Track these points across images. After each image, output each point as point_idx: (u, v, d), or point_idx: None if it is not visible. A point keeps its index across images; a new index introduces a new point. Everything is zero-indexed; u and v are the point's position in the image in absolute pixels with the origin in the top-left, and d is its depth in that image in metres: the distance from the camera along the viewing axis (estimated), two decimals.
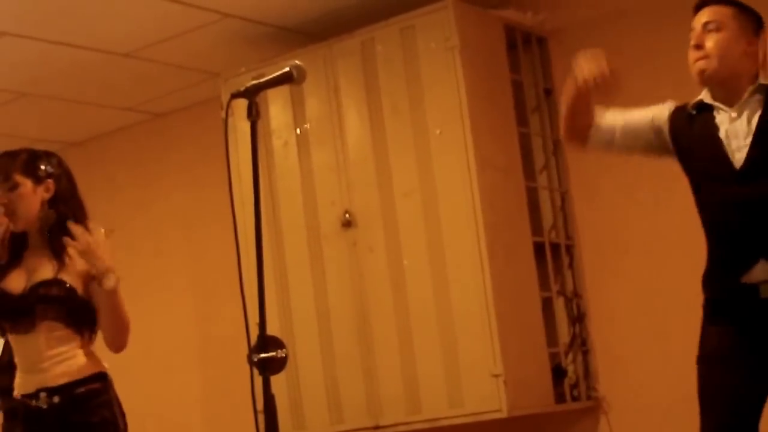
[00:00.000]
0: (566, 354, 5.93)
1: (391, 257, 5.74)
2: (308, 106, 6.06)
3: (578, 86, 3.77)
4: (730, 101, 3.71)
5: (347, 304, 5.86)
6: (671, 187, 5.44)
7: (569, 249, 6.04)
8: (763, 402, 3.67)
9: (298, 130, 6.08)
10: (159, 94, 7.09)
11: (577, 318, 5.97)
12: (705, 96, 3.79)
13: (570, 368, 5.91)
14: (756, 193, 3.57)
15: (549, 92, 6.15)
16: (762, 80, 3.70)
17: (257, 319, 3.34)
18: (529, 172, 5.95)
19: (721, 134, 3.67)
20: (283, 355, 3.32)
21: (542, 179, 6.06)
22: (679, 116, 3.82)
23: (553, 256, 5.96)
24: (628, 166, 5.66)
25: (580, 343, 5.97)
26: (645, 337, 5.81)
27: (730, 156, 3.64)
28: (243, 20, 6.08)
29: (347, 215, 5.85)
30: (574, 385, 5.89)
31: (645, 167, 5.44)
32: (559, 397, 5.80)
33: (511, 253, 5.65)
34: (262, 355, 3.27)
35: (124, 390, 4.25)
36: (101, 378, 4.16)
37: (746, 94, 3.68)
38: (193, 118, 7.22)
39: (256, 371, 3.27)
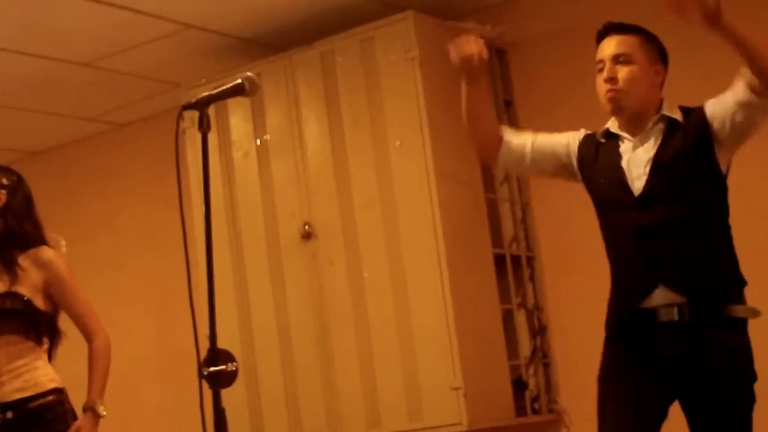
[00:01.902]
0: (527, 367, 5.91)
1: (351, 269, 5.72)
2: (268, 117, 6.03)
3: (459, 68, 3.90)
4: (635, 130, 3.73)
5: (307, 316, 5.83)
6: None
7: (530, 261, 6.03)
8: (660, 423, 3.67)
9: (258, 141, 6.05)
10: (121, 104, 7.05)
11: (538, 330, 5.96)
12: (612, 125, 3.82)
13: (531, 381, 5.90)
14: (654, 220, 3.59)
15: (509, 104, 6.16)
16: (665, 110, 3.72)
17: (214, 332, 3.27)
18: (489, 183, 5.93)
19: (623, 163, 3.70)
20: (234, 368, 3.30)
21: (503, 191, 6.05)
22: (587, 144, 3.85)
23: (514, 269, 5.95)
24: None
25: (541, 356, 5.96)
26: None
27: (630, 184, 3.66)
28: (205, 31, 6.06)
29: (307, 227, 5.83)
30: (535, 398, 5.88)
31: None
32: (520, 410, 5.78)
33: (472, 265, 5.64)
34: (212, 369, 3.23)
35: (80, 402, 4.22)
36: (56, 392, 4.13)
37: (650, 124, 3.71)
38: (156, 128, 7.16)
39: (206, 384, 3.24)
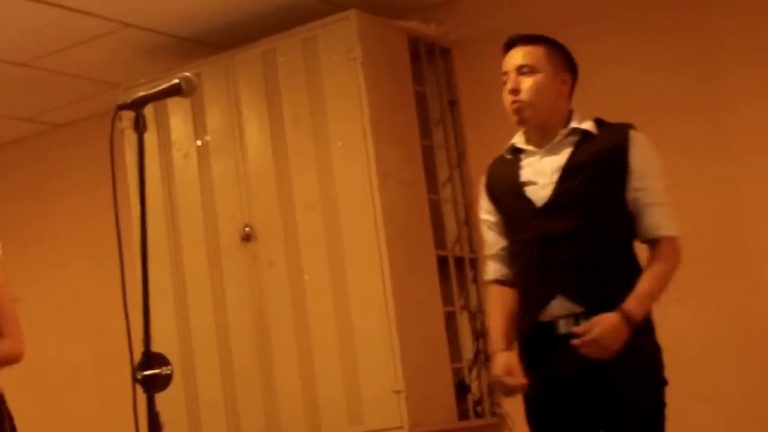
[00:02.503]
0: (470, 370, 5.87)
1: (292, 272, 5.65)
2: (209, 118, 5.96)
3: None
4: (542, 140, 3.72)
5: (247, 319, 5.75)
6: None
7: (473, 263, 5.99)
8: None
9: (198, 142, 5.97)
10: (59, 105, 6.95)
11: (481, 333, 5.91)
12: (518, 139, 3.82)
13: (474, 384, 5.86)
14: (555, 229, 3.59)
15: (453, 104, 6.12)
16: (575, 122, 3.71)
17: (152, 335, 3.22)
18: (432, 185, 5.88)
19: (527, 174, 3.70)
20: (169, 372, 3.25)
21: (446, 192, 6.00)
22: (492, 171, 3.88)
23: (457, 270, 5.90)
24: None
25: (484, 359, 5.90)
26: None
27: (533, 195, 3.66)
28: (144, 30, 5.98)
29: (247, 229, 5.75)
30: (478, 402, 5.83)
31: None
32: (463, 414, 5.73)
33: (414, 267, 5.58)
34: (146, 373, 3.17)
35: (18, 407, 4.13)
36: None
37: (559, 137, 3.70)
38: (94, 129, 7.05)
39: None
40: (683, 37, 5.54)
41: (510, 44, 3.80)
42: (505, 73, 3.77)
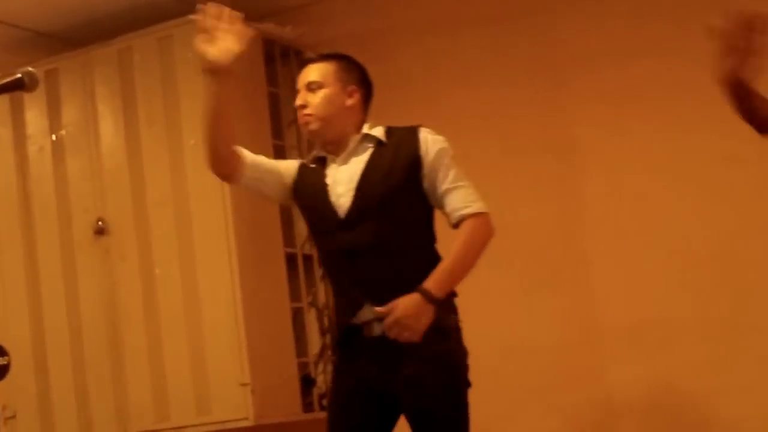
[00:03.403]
0: (316, 364, 6.00)
1: (143, 266, 5.72)
2: (65, 113, 5.99)
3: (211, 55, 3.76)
4: (338, 150, 3.86)
5: (99, 311, 5.81)
6: None
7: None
8: None
9: (53, 137, 6.01)
10: None
11: (328, 329, 6.04)
12: (319, 149, 3.96)
13: (319, 378, 5.98)
14: (358, 240, 3.68)
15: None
16: (366, 129, 3.86)
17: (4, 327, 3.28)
18: None
19: (328, 183, 3.81)
20: (5, 362, 3.30)
21: None
22: (301, 172, 3.96)
23: (306, 268, 6.03)
24: None
25: (330, 354, 6.04)
26: None
27: (335, 204, 3.76)
28: (0, 24, 5.97)
29: (100, 223, 5.81)
30: (323, 395, 5.94)
31: None
32: (308, 407, 5.86)
33: (263, 264, 5.70)
34: None
35: None
36: None
37: (352, 144, 3.83)
38: None
39: None
40: (527, 41, 5.69)
41: (304, 63, 3.98)
42: (298, 90, 3.93)
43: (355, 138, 3.84)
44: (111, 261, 5.81)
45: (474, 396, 5.57)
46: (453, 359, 3.74)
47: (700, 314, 5.23)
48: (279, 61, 6.12)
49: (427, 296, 3.59)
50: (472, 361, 5.55)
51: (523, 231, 5.56)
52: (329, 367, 6.01)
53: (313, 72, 3.89)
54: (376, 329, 3.66)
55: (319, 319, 6.07)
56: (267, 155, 5.75)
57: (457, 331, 3.79)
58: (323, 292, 6.08)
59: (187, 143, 5.66)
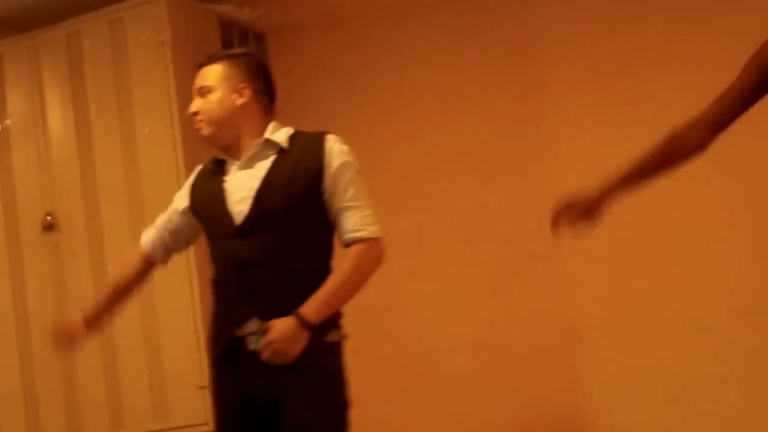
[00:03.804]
0: None
1: (95, 263, 5.50)
2: (10, 102, 5.77)
3: None
4: (238, 155, 3.73)
5: (48, 311, 5.56)
6: None
7: None
8: None
9: None
10: None
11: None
12: (220, 151, 3.83)
13: None
14: (252, 250, 3.56)
15: None
16: (268, 133, 3.70)
17: None
18: None
19: (226, 188, 3.68)
20: None
21: None
22: (199, 176, 3.88)
23: None
24: None
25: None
26: (356, 341, 5.75)
27: (232, 211, 3.63)
28: None
29: (49, 218, 5.58)
30: None
31: None
32: None
33: None
34: None
35: None
36: None
37: (253, 148, 3.69)
38: None
39: None
40: (502, 32, 5.56)
41: (197, 67, 3.85)
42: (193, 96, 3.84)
43: (256, 142, 3.70)
44: (61, 258, 5.59)
45: (445, 393, 5.53)
46: (335, 375, 3.63)
47: (676, 310, 5.17)
48: (237, 44, 5.89)
49: (302, 321, 3.50)
50: (444, 356, 5.53)
51: (495, 225, 5.51)
52: None
53: (201, 76, 3.81)
54: (254, 344, 3.55)
55: None
56: None
57: (339, 345, 3.68)
58: None
59: (141, 132, 5.46)
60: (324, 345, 3.57)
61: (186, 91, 5.31)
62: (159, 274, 5.28)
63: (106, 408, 5.45)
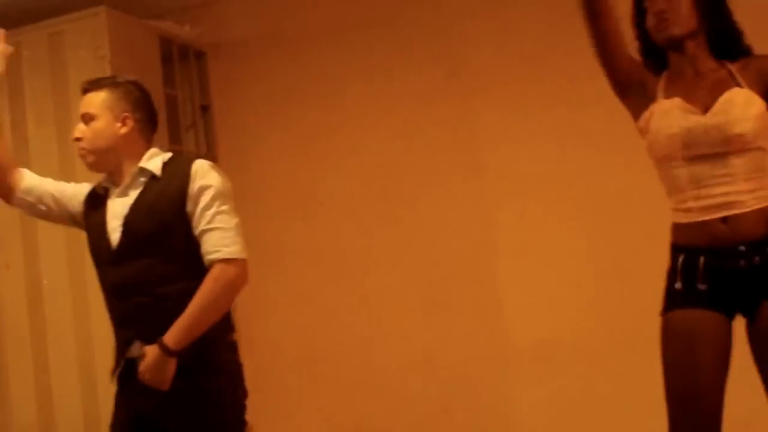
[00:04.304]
0: None
1: (30, 275, 5.47)
2: None
3: None
4: (118, 182, 3.75)
5: None
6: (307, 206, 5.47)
7: None
8: None
9: None
10: None
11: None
12: (105, 178, 3.84)
13: None
14: (125, 276, 3.59)
15: (206, 108, 6.03)
16: (144, 162, 3.71)
17: None
18: None
19: (107, 216, 3.70)
20: None
21: None
22: (91, 196, 3.85)
23: None
24: (279, 186, 5.66)
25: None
26: (294, 362, 5.77)
27: (109, 238, 3.66)
28: None
29: None
30: None
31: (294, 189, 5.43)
32: None
33: None
34: None
35: None
36: None
37: (129, 178, 3.70)
38: None
39: None
40: (434, 50, 5.60)
41: (82, 92, 3.83)
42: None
43: (132, 171, 3.71)
44: None
45: (378, 411, 5.53)
46: (222, 397, 3.61)
47: (607, 334, 5.20)
48: (177, 61, 5.89)
49: (165, 350, 3.49)
50: (376, 377, 5.54)
51: (428, 249, 5.54)
52: None
53: (85, 103, 3.76)
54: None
55: None
56: None
57: (231, 368, 3.67)
58: None
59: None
60: (213, 367, 3.57)
61: None
62: (93, 284, 5.19)
63: (37, 420, 5.40)
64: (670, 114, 3.18)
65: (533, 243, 5.35)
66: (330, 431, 5.68)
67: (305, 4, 5.90)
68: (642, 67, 3.33)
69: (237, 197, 5.79)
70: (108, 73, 5.35)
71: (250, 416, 5.67)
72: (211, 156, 5.96)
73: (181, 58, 5.94)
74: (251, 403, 5.73)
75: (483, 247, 5.48)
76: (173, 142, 5.75)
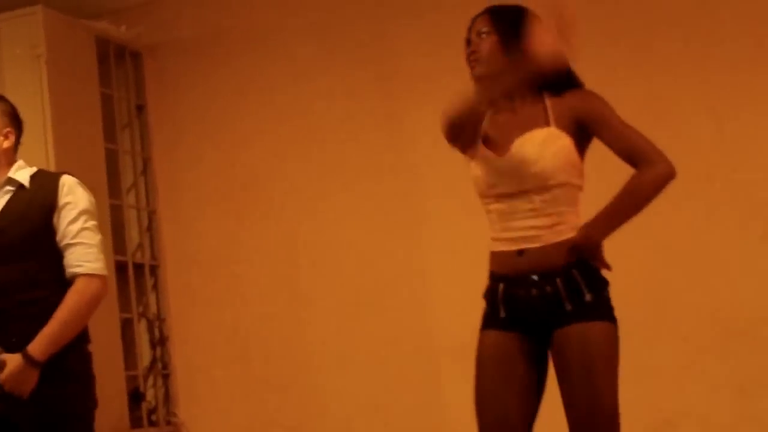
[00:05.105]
0: (146, 378, 5.80)
1: None
2: None
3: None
4: None
5: None
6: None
7: (154, 270, 5.93)
8: None
9: None
10: None
11: (159, 341, 5.86)
12: None
13: (149, 392, 5.79)
14: None
15: (141, 108, 6.05)
16: (12, 172, 3.76)
17: None
18: (115, 190, 5.79)
19: None
20: None
21: (130, 198, 5.93)
22: None
23: (137, 277, 5.83)
24: (213, 187, 5.71)
25: (161, 367, 5.86)
26: (226, 361, 5.78)
27: None
28: None
29: None
30: (153, 410, 5.78)
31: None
32: (136, 421, 5.66)
33: None
34: None
35: None
36: None
37: None
38: None
39: None
40: (368, 60, 5.64)
41: None
42: None
43: (1, 181, 3.76)
44: None
45: (310, 410, 5.57)
46: (73, 406, 3.70)
47: None
48: (113, 61, 5.91)
49: (29, 360, 3.55)
50: (307, 375, 5.59)
51: (358, 250, 5.59)
52: (159, 381, 5.83)
53: None
54: None
55: (150, 330, 5.88)
56: (98, 159, 5.64)
57: (83, 378, 3.76)
58: (155, 303, 5.89)
59: None
60: (66, 373, 3.62)
61: (60, 105, 5.40)
62: None
63: None
64: (477, 157, 3.36)
65: (461, 242, 5.38)
66: (262, 430, 5.71)
67: (240, 6, 5.93)
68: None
69: (171, 196, 5.93)
70: (44, 72, 5.38)
71: (183, 414, 5.77)
72: (145, 155, 5.99)
73: (117, 58, 5.96)
74: (184, 401, 5.84)
75: (413, 245, 5.53)
76: (108, 141, 5.77)
